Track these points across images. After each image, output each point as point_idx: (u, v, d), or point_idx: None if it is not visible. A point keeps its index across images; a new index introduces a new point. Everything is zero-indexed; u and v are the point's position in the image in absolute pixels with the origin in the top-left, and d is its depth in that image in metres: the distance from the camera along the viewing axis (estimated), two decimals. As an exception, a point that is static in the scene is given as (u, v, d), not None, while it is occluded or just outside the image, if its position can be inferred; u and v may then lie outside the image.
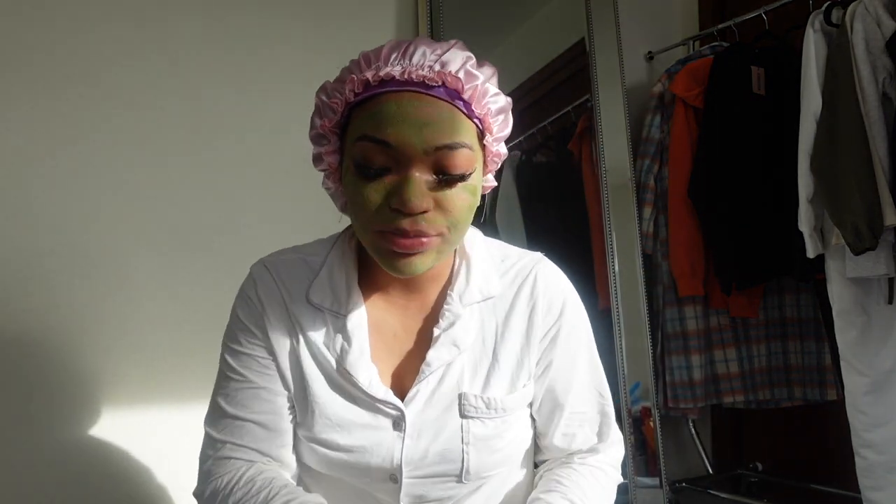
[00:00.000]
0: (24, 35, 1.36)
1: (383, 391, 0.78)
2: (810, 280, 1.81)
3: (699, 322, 1.93)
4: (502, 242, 0.91)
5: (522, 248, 0.90)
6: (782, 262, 1.76)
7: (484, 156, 0.78)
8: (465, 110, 0.71)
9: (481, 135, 0.75)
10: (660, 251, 1.96)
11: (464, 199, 0.72)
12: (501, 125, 0.77)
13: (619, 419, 1.79)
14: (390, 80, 0.69)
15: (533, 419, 0.87)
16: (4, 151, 1.34)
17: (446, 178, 0.70)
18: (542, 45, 2.01)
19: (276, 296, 0.81)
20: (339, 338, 0.79)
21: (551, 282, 0.85)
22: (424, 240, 0.70)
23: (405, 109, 0.68)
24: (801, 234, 1.58)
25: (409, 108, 0.68)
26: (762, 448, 2.15)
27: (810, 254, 1.57)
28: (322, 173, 0.80)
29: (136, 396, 1.41)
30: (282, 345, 0.80)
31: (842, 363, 1.59)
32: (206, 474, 0.79)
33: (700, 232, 1.91)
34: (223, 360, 0.82)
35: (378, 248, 0.72)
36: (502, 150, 0.80)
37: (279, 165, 1.57)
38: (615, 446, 0.90)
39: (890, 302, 1.47)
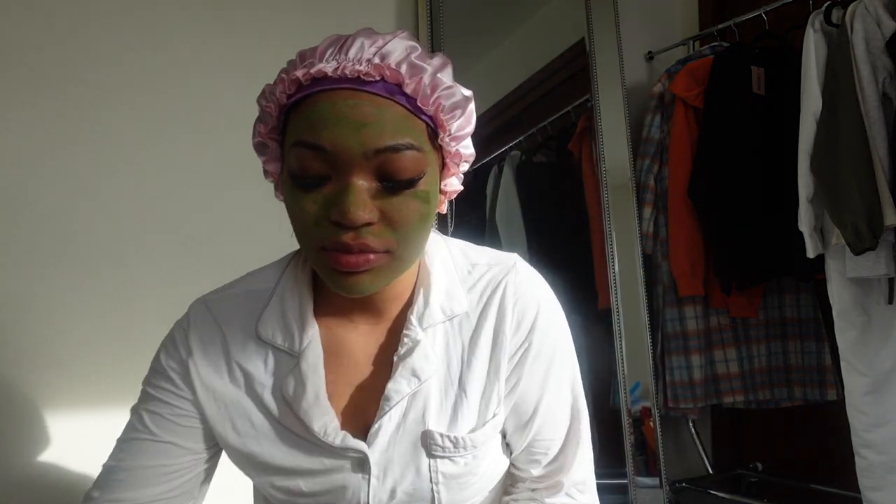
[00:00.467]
0: (23, 34, 1.36)
1: (340, 438, 0.70)
2: (810, 280, 1.81)
3: (699, 322, 1.93)
4: (471, 247, 0.82)
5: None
6: (782, 262, 1.76)
7: (442, 157, 0.69)
8: (409, 107, 0.63)
9: (434, 133, 0.66)
10: (660, 251, 1.96)
11: (413, 208, 0.63)
12: (460, 122, 0.67)
13: (619, 419, 1.80)
14: (323, 78, 0.62)
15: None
16: (5, 151, 1.34)
17: (391, 184, 0.62)
18: (542, 45, 2.01)
19: (215, 339, 0.74)
20: (292, 380, 0.71)
21: (523, 292, 0.76)
22: (372, 256, 0.62)
23: (340, 109, 0.60)
24: (801, 234, 1.58)
25: (345, 107, 0.60)
26: (762, 448, 2.15)
27: (810, 254, 1.57)
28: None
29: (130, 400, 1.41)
30: (214, 397, 0.73)
31: (842, 363, 1.59)
32: None
33: (700, 232, 1.91)
34: (136, 404, 0.76)
35: (322, 267, 0.65)
36: (466, 150, 0.71)
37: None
38: (580, 469, 0.81)
39: (890, 302, 1.47)
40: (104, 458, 0.75)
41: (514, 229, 1.94)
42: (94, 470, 0.75)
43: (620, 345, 1.81)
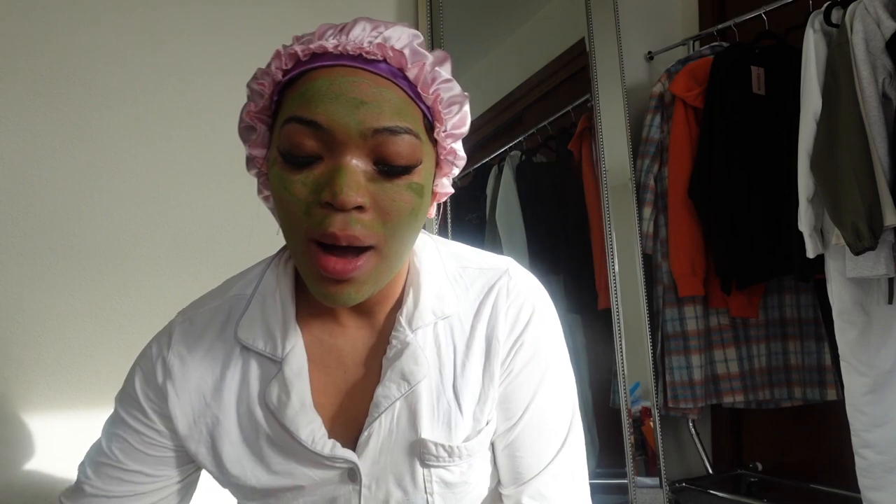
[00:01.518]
0: (23, 33, 1.36)
1: (329, 447, 0.67)
2: (810, 280, 1.81)
3: (699, 322, 1.93)
4: (462, 248, 0.78)
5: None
6: (782, 261, 1.76)
7: (436, 153, 0.66)
8: (409, 92, 0.61)
9: (430, 126, 0.64)
10: (660, 251, 1.96)
11: (406, 200, 0.60)
12: (457, 120, 0.65)
13: (619, 419, 1.80)
14: (323, 54, 0.59)
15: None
16: (5, 150, 1.34)
17: (386, 168, 0.59)
18: (542, 45, 2.02)
19: (196, 356, 0.70)
20: (276, 387, 0.67)
21: (515, 297, 0.73)
22: (357, 262, 0.58)
23: (339, 85, 0.58)
24: (801, 234, 1.58)
25: (344, 83, 0.58)
26: (762, 448, 2.15)
27: (810, 254, 1.57)
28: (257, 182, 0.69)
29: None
30: (194, 420, 0.70)
31: (842, 363, 1.59)
32: None
33: (700, 232, 1.91)
34: (107, 421, 0.74)
35: (307, 271, 0.61)
36: (460, 150, 0.68)
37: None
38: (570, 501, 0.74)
39: (890, 302, 1.47)
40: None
41: (514, 229, 1.94)
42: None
43: (620, 345, 1.81)
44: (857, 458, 1.56)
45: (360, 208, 0.57)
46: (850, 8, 1.49)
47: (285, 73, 0.61)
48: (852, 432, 1.57)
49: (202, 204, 1.50)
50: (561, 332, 0.77)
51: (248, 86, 0.64)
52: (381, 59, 0.60)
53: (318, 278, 0.60)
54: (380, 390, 0.68)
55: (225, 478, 0.70)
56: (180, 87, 1.49)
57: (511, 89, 1.95)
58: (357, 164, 0.58)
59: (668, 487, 1.83)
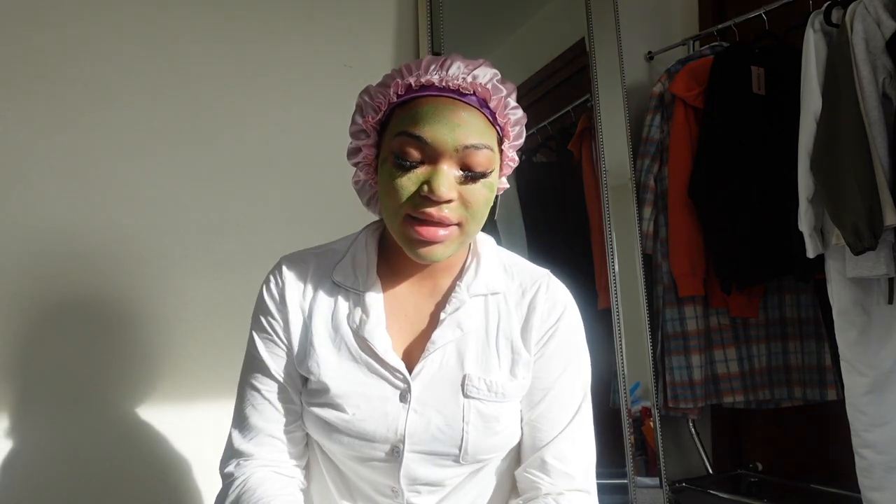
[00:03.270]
0: (23, 33, 1.36)
1: (396, 360, 0.84)
2: (810, 280, 1.81)
3: (699, 322, 1.93)
4: (512, 253, 0.97)
5: (522, 248, 0.93)
6: (782, 262, 1.76)
7: (501, 159, 0.86)
8: (490, 117, 0.81)
9: (500, 140, 0.84)
10: (660, 251, 1.96)
11: (483, 194, 0.81)
12: (517, 134, 0.86)
13: (619, 419, 1.80)
14: (430, 86, 0.79)
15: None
16: (5, 150, 1.34)
17: (471, 174, 0.79)
18: (542, 45, 2.02)
19: (300, 277, 0.90)
20: (359, 310, 0.86)
21: (553, 293, 0.91)
22: (443, 232, 0.78)
23: (441, 112, 0.78)
24: (801, 234, 1.58)
25: (445, 111, 0.78)
26: (762, 448, 2.15)
27: (810, 254, 1.57)
28: (354, 169, 0.88)
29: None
30: (295, 321, 0.87)
31: (842, 363, 1.59)
32: (225, 477, 0.86)
33: (700, 232, 1.91)
34: (250, 342, 0.90)
35: (404, 235, 0.80)
36: (515, 157, 0.89)
37: (278, 161, 1.57)
38: (582, 464, 0.89)
39: (890, 302, 1.47)
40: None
41: (514, 229, 1.94)
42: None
43: (620, 345, 1.81)
44: (857, 458, 1.57)
45: (449, 201, 0.78)
46: (850, 8, 1.49)
47: (399, 96, 0.81)
48: (852, 432, 1.57)
49: (204, 202, 1.50)
50: (583, 327, 0.94)
51: (361, 98, 0.84)
52: (471, 92, 0.80)
53: (412, 241, 0.79)
54: (437, 333, 0.85)
55: (306, 368, 0.86)
56: (180, 82, 1.49)
57: (511, 89, 1.95)
58: (449, 170, 0.78)
59: (668, 487, 1.83)
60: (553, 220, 2.02)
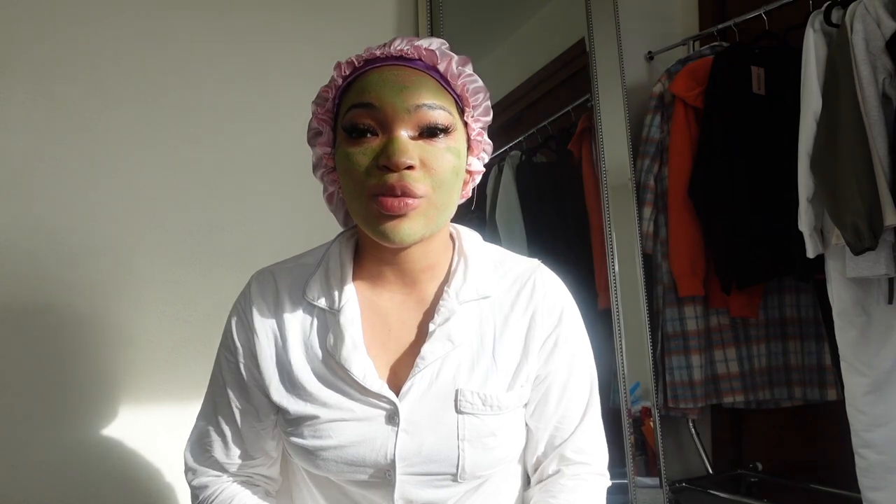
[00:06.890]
0: (24, 32, 1.36)
1: (378, 384, 0.78)
2: (810, 280, 1.81)
3: (699, 322, 1.93)
4: (498, 247, 0.92)
5: (522, 248, 0.91)
6: (782, 261, 1.76)
7: (467, 134, 0.81)
8: (441, 82, 0.77)
9: (461, 110, 0.79)
10: (660, 251, 1.96)
11: (448, 160, 0.75)
12: (482, 107, 0.81)
13: (619, 419, 1.79)
14: (373, 59, 0.77)
15: (526, 424, 0.87)
16: (5, 150, 1.34)
17: (428, 130, 0.74)
18: (542, 45, 2.01)
19: (269, 299, 0.84)
20: (332, 335, 0.80)
21: (550, 289, 0.87)
22: (410, 200, 0.72)
23: (386, 76, 0.74)
24: (801, 234, 1.58)
25: (390, 75, 0.75)
26: (762, 448, 2.15)
27: (810, 254, 1.57)
28: (321, 190, 0.84)
29: (136, 397, 1.41)
30: (267, 346, 0.82)
31: (842, 363, 1.59)
32: (192, 491, 0.86)
33: (700, 232, 1.91)
34: (216, 364, 0.87)
35: (369, 216, 0.74)
36: (487, 138, 0.83)
37: (278, 162, 1.57)
38: (598, 452, 0.90)
39: (890, 302, 1.47)
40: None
41: (514, 229, 1.94)
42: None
43: (620, 345, 1.81)
44: (857, 458, 1.56)
45: (410, 168, 0.72)
46: (850, 8, 1.49)
47: (344, 79, 0.77)
48: (852, 432, 1.57)
49: (204, 202, 1.50)
50: (580, 314, 0.91)
51: (314, 103, 0.80)
52: (417, 58, 0.76)
53: (377, 217, 0.73)
54: (426, 347, 0.79)
55: (292, 409, 0.80)
56: (181, 83, 1.49)
57: (511, 89, 1.95)
58: (404, 134, 0.73)
59: (668, 487, 1.83)
60: (553, 220, 2.02)
